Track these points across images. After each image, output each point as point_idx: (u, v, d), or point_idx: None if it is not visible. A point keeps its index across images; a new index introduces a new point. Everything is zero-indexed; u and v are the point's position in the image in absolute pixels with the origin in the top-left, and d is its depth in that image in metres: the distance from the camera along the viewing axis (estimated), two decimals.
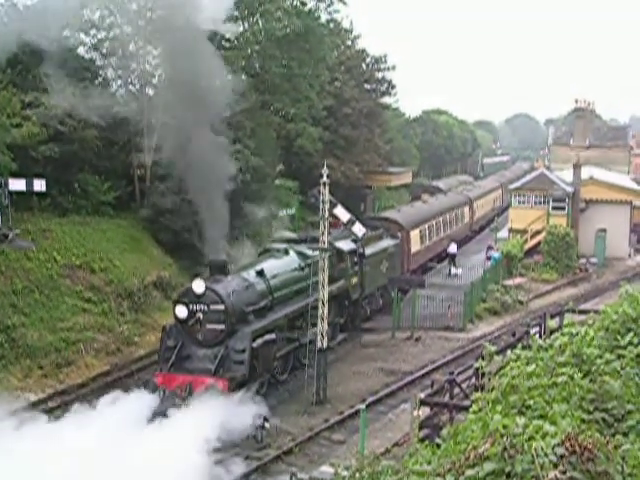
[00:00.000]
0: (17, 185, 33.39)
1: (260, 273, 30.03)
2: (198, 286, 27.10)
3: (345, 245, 36.53)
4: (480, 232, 69.50)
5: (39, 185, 34.33)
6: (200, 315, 27.03)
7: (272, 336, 28.29)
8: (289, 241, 36.70)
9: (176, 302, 27.74)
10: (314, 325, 29.87)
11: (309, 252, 33.48)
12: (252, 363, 26.72)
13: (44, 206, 37.58)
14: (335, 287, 34.00)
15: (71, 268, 35.35)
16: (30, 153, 35.70)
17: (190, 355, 27.17)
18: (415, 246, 48.64)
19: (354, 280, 37.07)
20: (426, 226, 51.61)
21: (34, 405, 27.80)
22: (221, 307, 26.97)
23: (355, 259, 37.29)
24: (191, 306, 27.16)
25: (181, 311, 27.24)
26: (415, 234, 48.86)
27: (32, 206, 36.92)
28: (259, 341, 27.23)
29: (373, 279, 39.37)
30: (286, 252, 33.52)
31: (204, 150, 28.29)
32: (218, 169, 28.63)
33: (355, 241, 36.52)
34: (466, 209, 64.96)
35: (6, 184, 32.73)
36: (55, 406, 27.59)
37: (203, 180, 28.12)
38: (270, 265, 31.54)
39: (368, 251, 38.53)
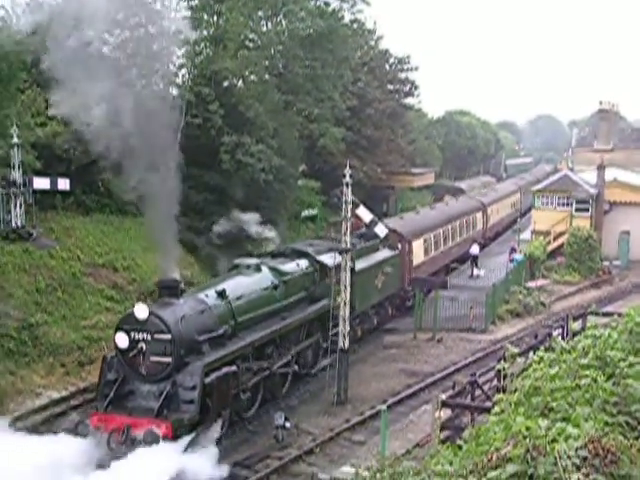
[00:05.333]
0: (41, 184, 33.62)
1: (221, 294, 26.10)
2: (140, 311, 23.00)
3: (329, 259, 31.84)
4: (495, 239, 66.60)
5: (63, 184, 34.56)
6: (143, 345, 23.07)
7: (232, 368, 24.36)
8: (264, 255, 32.88)
9: (117, 329, 23.66)
10: (300, 352, 29.59)
11: (285, 268, 30.53)
12: (205, 401, 23.08)
13: (68, 205, 37.83)
14: (317, 307, 31.21)
15: (94, 267, 35.56)
16: (54, 152, 35.93)
17: (133, 391, 23.31)
18: (418, 258, 44.09)
19: (339, 299, 31.34)
20: (431, 235, 47.24)
21: (57, 403, 28.05)
22: (167, 336, 22.96)
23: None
24: (133, 334, 23.15)
25: (121, 340, 23.19)
26: (418, 244, 44.33)
27: (56, 205, 37.18)
28: (213, 376, 23.19)
29: (365, 296, 35.06)
30: (257, 268, 29.48)
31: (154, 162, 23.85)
32: (166, 183, 24.30)
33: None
34: (479, 215, 60.62)
35: (30, 183, 32.95)
36: (78, 404, 27.76)
37: (152, 194, 23.92)
38: (235, 284, 27.66)
39: (359, 265, 33.83)
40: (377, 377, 32.42)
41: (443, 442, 17.76)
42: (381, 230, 31.89)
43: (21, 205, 32.16)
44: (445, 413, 20.81)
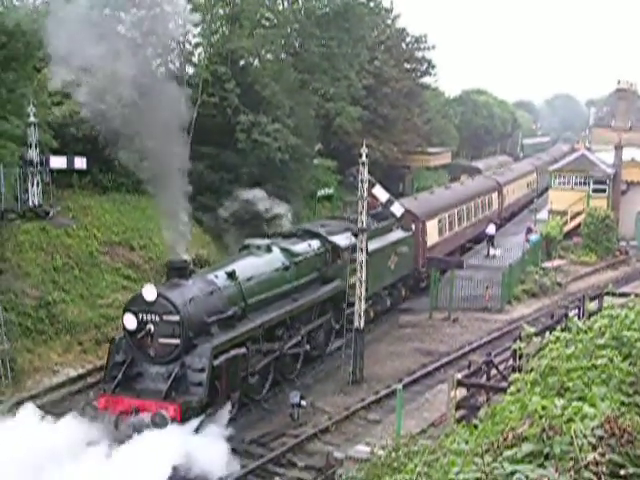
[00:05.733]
0: (58, 163, 33.70)
1: (231, 275, 25.72)
2: (149, 292, 22.78)
3: (342, 240, 32.14)
4: (510, 220, 65.80)
5: (80, 163, 34.65)
6: (151, 327, 22.80)
7: (241, 350, 24.16)
8: (275, 235, 32.36)
9: (124, 310, 23.50)
10: (311, 333, 29.40)
11: (296, 248, 30.10)
12: (214, 384, 22.84)
13: (84, 184, 37.95)
14: (329, 288, 31.05)
15: (110, 245, 35.70)
16: (71, 131, 35.99)
17: (141, 373, 23.07)
18: (432, 238, 43.65)
19: (353, 279, 31.27)
20: (446, 215, 46.88)
21: (73, 381, 28.26)
22: (175, 318, 22.71)
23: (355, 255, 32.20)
24: (141, 316, 22.87)
25: (130, 321, 22.91)
26: (432, 225, 43.88)
27: (72, 184, 37.29)
28: (222, 358, 22.96)
29: (378, 278, 34.49)
30: (268, 249, 28.95)
31: (158, 140, 23.40)
32: (173, 161, 23.88)
33: (356, 235, 31.80)
34: (494, 195, 60.01)
35: (47, 162, 33.04)
36: (95, 382, 27.94)
37: (158, 171, 23.52)
38: (246, 265, 27.29)
39: (372, 246, 32.66)
40: (392, 356, 32.50)
41: (458, 421, 17.80)
42: (397, 209, 31.76)
43: (38, 184, 32.27)
44: (460, 392, 20.84)
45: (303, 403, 25.36)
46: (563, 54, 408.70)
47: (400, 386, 24.88)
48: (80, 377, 28.51)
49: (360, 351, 29.32)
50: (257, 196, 35.84)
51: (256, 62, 51.62)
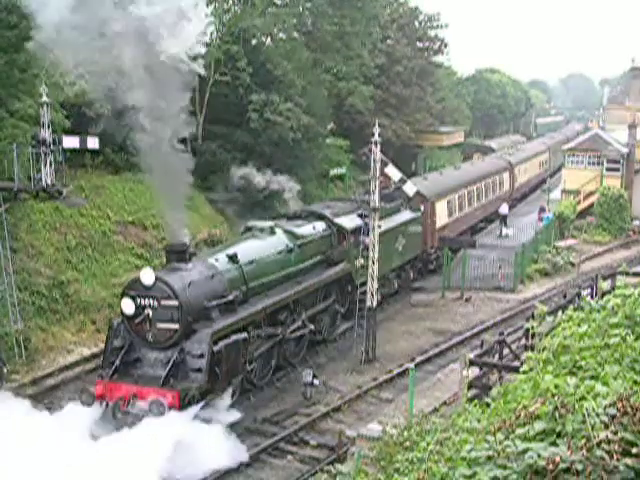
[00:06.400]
0: (71, 142, 33.68)
1: (232, 258, 25.13)
2: (146, 276, 22.25)
3: (348, 222, 31.59)
4: (522, 200, 65.21)
5: (92, 142, 34.59)
6: (149, 311, 22.28)
7: (242, 335, 23.45)
8: (279, 217, 31.78)
9: (122, 294, 22.92)
10: (316, 315, 29.23)
11: (300, 231, 29.42)
12: (214, 370, 22.23)
13: (97, 163, 37.98)
14: (334, 271, 30.32)
15: (123, 225, 35.77)
16: (84, 110, 35.99)
17: (140, 359, 22.61)
18: (441, 220, 42.73)
19: (359, 262, 31.57)
20: (456, 196, 45.94)
21: (87, 360, 28.40)
22: (174, 302, 22.13)
23: (361, 238, 31.80)
24: (139, 300, 22.38)
25: (128, 306, 22.40)
26: (441, 206, 43.06)
27: (85, 163, 37.32)
28: (222, 343, 22.33)
29: (385, 260, 32.70)
30: (271, 231, 28.35)
31: (156, 118, 22.68)
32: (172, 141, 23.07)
33: (362, 216, 31.86)
34: (506, 175, 58.74)
35: (60, 141, 33.04)
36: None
37: (156, 153, 22.77)
38: (247, 248, 26.61)
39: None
40: (405, 335, 32.54)
41: (470, 400, 17.83)
42: (410, 188, 31.67)
43: (51, 164, 32.24)
44: (473, 372, 20.86)
45: (316, 382, 25.42)
46: (577, 33, 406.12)
47: (412, 365, 24.93)
48: (94, 356, 28.58)
49: (372, 330, 29.35)
50: (252, 172, 35.25)
51: (268, 41, 51.48)
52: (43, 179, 29.50)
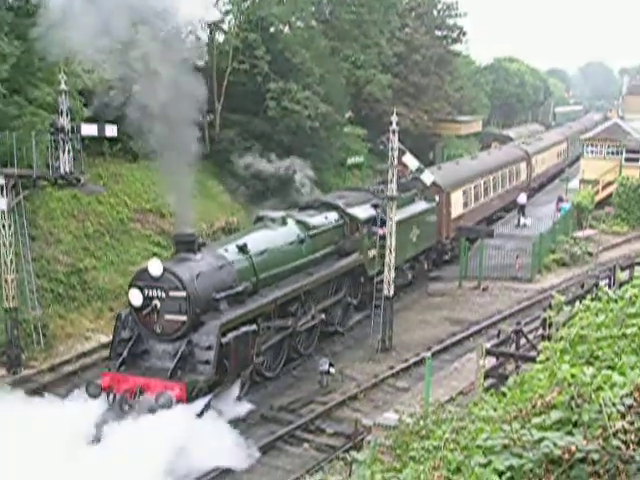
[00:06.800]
0: (89, 130, 33.76)
1: (242, 249, 24.88)
2: (154, 267, 22.02)
3: (361, 212, 31.36)
4: (540, 190, 64.34)
5: (110, 130, 34.65)
6: (157, 303, 22.10)
7: (251, 327, 23.22)
8: (292, 207, 31.48)
9: (130, 285, 22.75)
10: (327, 306, 28.95)
11: (312, 221, 29.11)
12: (222, 362, 21.99)
13: (115, 151, 38.06)
14: (347, 262, 30.08)
15: (141, 212, 35.89)
16: (101, 98, 36.08)
17: (147, 350, 22.42)
18: (457, 210, 42.28)
19: (372, 253, 31.48)
20: (472, 186, 45.27)
21: (105, 347, 28.54)
22: (182, 294, 21.92)
23: (373, 228, 31.75)
24: (146, 291, 22.18)
25: (135, 297, 22.22)
26: (457, 196, 42.51)
27: (103, 151, 37.40)
28: (231, 335, 22.12)
29: (398, 250, 31.10)
30: (283, 222, 28.11)
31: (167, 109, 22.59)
32: (180, 130, 23.18)
33: (376, 207, 31.86)
34: (523, 165, 58.03)
35: (78, 129, 33.13)
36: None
37: (164, 142, 22.91)
38: (258, 238, 26.44)
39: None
40: (422, 325, 32.52)
41: (487, 390, 17.82)
42: (427, 177, 31.48)
43: (69, 151, 32.30)
44: (489, 361, 20.83)
45: (332, 370, 25.49)
46: (597, 21, 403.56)
47: (429, 354, 24.95)
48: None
49: (389, 319, 29.33)
50: (256, 159, 35.09)
51: (286, 29, 51.40)
52: (61, 167, 29.55)
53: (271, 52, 45.64)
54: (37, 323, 28.01)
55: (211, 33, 47.27)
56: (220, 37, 48.84)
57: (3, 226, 26.47)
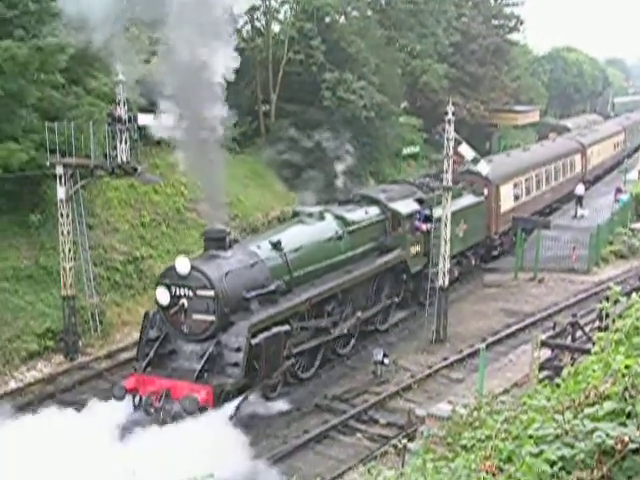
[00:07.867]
0: (145, 120, 34.06)
1: (276, 245, 23.85)
2: (182, 265, 21.23)
3: (403, 206, 30.13)
4: (595, 183, 62.13)
5: (166, 120, 34.93)
6: (184, 302, 21.28)
7: (284, 328, 22.27)
8: (331, 202, 30.23)
9: (157, 283, 22.23)
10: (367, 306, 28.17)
11: (352, 216, 27.95)
12: (252, 364, 21.19)
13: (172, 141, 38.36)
14: (388, 259, 28.95)
15: (197, 202, 36.10)
16: (157, 88, 36.38)
17: (175, 351, 21.62)
18: (506, 204, 40.64)
19: (415, 249, 30.47)
20: (522, 179, 43.55)
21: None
22: (210, 293, 21.10)
23: (416, 223, 30.76)
24: (174, 290, 21.44)
25: (162, 295, 21.52)
26: (507, 189, 40.96)
27: (160, 141, 37.72)
28: (262, 336, 21.16)
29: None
30: (321, 217, 26.95)
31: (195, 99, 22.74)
32: (210, 122, 22.78)
33: (420, 201, 31.03)
34: (578, 157, 55.70)
35: (135, 119, 33.46)
36: None
37: (195, 134, 22.75)
38: (293, 234, 25.38)
39: (437, 213, 29.74)
40: (476, 316, 32.33)
41: (541, 382, 17.66)
42: (483, 167, 31.17)
43: (126, 141, 32.64)
44: (544, 353, 20.67)
45: (386, 361, 25.46)
46: None
47: (483, 345, 24.81)
48: None
49: (444, 310, 29.21)
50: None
51: (342, 19, 51.38)
52: (119, 156, 29.89)
53: (326, 42, 45.69)
54: (94, 310, 28.42)
55: (267, 23, 47.42)
56: (276, 27, 49.00)
57: (61, 215, 26.87)
